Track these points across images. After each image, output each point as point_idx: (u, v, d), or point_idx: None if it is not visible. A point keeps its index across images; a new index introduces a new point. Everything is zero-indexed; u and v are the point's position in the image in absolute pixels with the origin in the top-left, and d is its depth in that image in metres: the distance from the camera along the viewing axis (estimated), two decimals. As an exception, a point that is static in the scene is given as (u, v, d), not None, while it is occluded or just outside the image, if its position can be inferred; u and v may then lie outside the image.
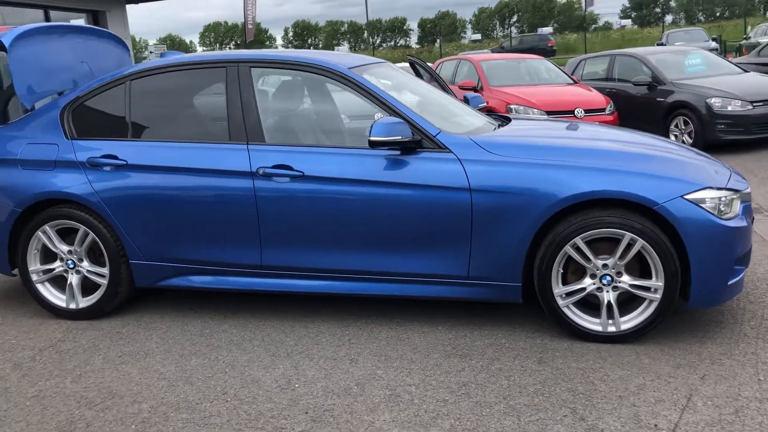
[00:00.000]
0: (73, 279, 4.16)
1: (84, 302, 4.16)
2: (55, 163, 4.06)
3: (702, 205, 3.35)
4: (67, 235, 4.14)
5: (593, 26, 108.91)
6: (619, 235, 3.40)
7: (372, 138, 3.53)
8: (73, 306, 4.17)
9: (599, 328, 3.51)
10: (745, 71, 10.45)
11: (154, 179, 3.90)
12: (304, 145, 3.81)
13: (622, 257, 3.43)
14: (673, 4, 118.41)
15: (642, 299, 3.48)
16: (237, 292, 4.00)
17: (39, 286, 4.21)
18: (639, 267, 3.50)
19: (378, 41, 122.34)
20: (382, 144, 3.54)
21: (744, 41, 24.52)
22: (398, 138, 3.53)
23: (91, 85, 4.18)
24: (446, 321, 3.88)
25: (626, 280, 3.47)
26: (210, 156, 3.85)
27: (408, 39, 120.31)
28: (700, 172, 3.54)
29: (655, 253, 3.37)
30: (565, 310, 3.54)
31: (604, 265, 3.47)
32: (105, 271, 4.08)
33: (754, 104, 9.00)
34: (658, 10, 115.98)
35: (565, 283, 3.55)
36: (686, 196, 3.35)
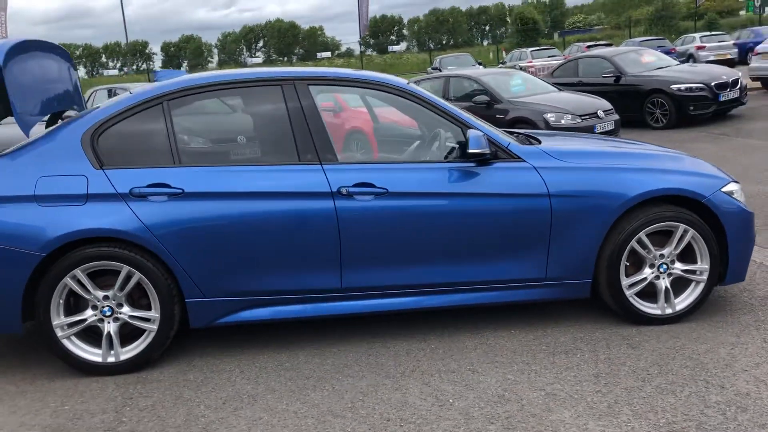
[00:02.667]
0: (111, 328, 3.63)
1: (126, 353, 3.64)
2: (86, 196, 3.52)
3: (733, 196, 3.94)
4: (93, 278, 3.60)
5: (336, 51, 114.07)
6: (674, 227, 3.86)
7: (471, 150, 3.62)
8: (111, 359, 3.63)
9: (659, 312, 3.94)
10: (560, 89, 11.91)
11: (218, 207, 3.57)
12: (380, 162, 3.76)
13: (677, 246, 3.90)
14: (405, 32, 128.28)
15: (690, 282, 3.97)
16: (312, 319, 3.80)
17: (66, 342, 3.60)
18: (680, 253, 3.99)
19: (119, 65, 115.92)
20: (479, 156, 3.65)
21: (501, 65, 27.58)
22: (487, 150, 3.66)
23: (115, 107, 3.70)
24: (507, 325, 4.04)
25: (679, 266, 3.94)
26: (282, 178, 3.63)
27: (151, 63, 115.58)
28: (716, 169, 4.14)
29: (702, 240, 3.88)
30: (631, 300, 3.91)
31: (661, 255, 3.91)
32: (153, 314, 3.62)
33: (582, 117, 10.33)
34: (393, 37, 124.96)
35: (626, 275, 3.93)
36: (723, 189, 3.92)
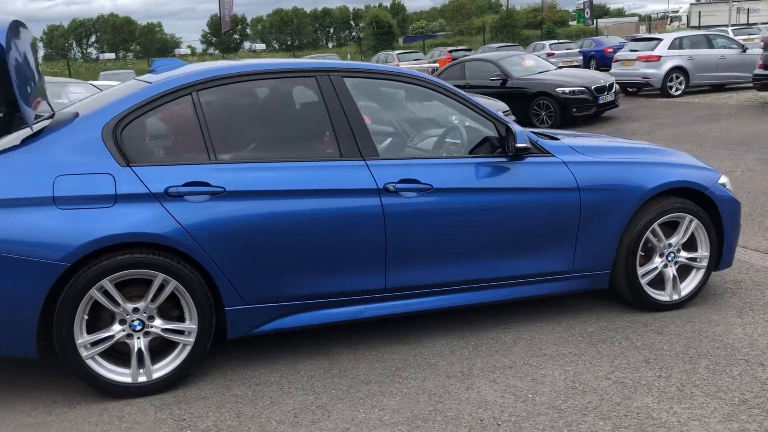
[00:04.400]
0: (141, 344, 3.25)
1: (158, 371, 3.28)
2: (114, 197, 3.13)
3: (726, 187, 4.25)
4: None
5: (176, 50, 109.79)
6: (682, 218, 4.09)
7: (519, 145, 3.62)
8: (143, 379, 3.25)
9: (667, 298, 4.15)
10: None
11: (261, 207, 3.30)
12: (422, 157, 3.66)
13: (683, 236, 4.13)
14: (249, 32, 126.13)
15: (691, 269, 4.22)
16: (353, 322, 3.62)
17: (90, 363, 3.18)
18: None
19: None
20: (525, 150, 3.65)
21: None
22: (530, 144, 3.69)
23: (137, 97, 3.31)
24: (529, 319, 4.08)
25: (684, 254, 4.18)
26: (326, 175, 3.43)
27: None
28: (704, 163, 4.44)
29: (703, 228, 4.15)
30: (645, 288, 4.10)
31: (669, 244, 4.13)
32: (190, 326, 3.28)
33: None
34: (237, 36, 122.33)
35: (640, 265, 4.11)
36: (719, 181, 4.21)
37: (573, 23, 52.96)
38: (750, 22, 43.45)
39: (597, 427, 2.89)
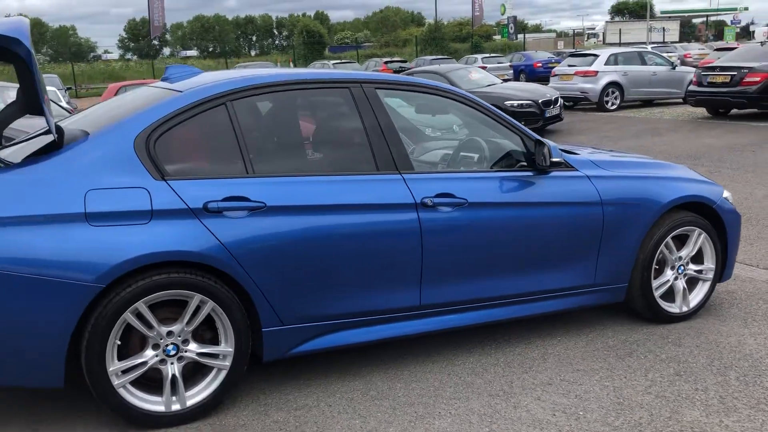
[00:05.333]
0: (175, 369, 3.04)
1: (192, 398, 3.07)
2: (150, 213, 2.92)
3: (729, 200, 4.38)
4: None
5: (91, 55, 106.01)
6: (692, 231, 4.19)
7: (554, 159, 3.61)
8: (176, 407, 3.04)
9: (677, 310, 4.23)
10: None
11: (301, 222, 3.16)
12: (456, 171, 3.60)
13: (693, 249, 4.22)
14: (168, 37, 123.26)
15: (698, 281, 4.32)
16: (386, 341, 3.50)
17: (122, 392, 2.95)
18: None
19: None
20: (559, 164, 3.65)
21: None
22: (562, 159, 3.69)
23: (168, 107, 3.12)
24: (546, 334, 4.07)
25: (692, 267, 4.27)
26: (365, 189, 3.32)
27: None
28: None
29: (710, 241, 4.26)
30: (659, 301, 4.16)
31: (679, 257, 4.21)
32: (226, 349, 3.10)
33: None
34: (156, 42, 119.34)
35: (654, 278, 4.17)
36: (723, 195, 4.33)
37: (497, 37, 54.22)
38: (656, 40, 45.65)
39: (656, 442, 2.89)
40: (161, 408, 3.01)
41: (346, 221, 3.25)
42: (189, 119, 3.12)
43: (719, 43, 36.33)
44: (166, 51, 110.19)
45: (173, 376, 3.02)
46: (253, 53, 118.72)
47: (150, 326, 2.96)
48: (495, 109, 3.84)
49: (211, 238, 2.98)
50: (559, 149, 3.95)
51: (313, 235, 3.18)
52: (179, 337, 3.02)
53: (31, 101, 2.93)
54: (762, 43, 14.69)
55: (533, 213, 3.67)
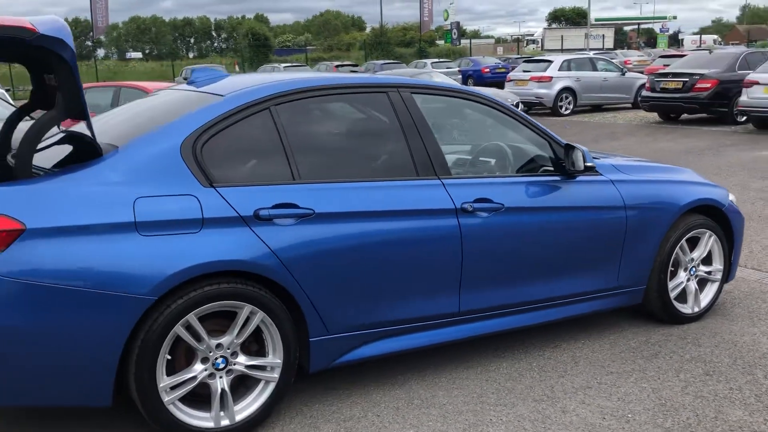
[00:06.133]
0: (224, 383, 2.93)
1: (242, 412, 2.97)
2: (201, 221, 2.81)
3: (734, 203, 4.51)
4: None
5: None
6: (703, 233, 4.29)
7: (588, 164, 3.64)
8: (226, 422, 2.92)
9: (690, 311, 4.33)
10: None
11: (349, 229, 3.09)
12: (491, 176, 3.60)
13: (704, 251, 4.33)
14: (103, 38, 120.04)
15: (706, 281, 4.44)
16: (426, 348, 3.46)
17: (172, 408, 2.82)
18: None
19: None
20: (591, 169, 3.68)
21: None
22: (594, 164, 3.72)
23: (211, 112, 3.01)
24: (567, 337, 4.11)
25: (703, 268, 4.38)
26: (408, 195, 3.28)
27: None
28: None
29: (719, 243, 4.38)
30: (673, 302, 4.25)
31: (691, 259, 4.31)
32: (274, 360, 3.00)
33: None
34: (89, 43, 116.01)
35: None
36: (729, 198, 4.46)
37: (441, 42, 54.76)
38: (595, 47, 46.96)
39: (710, 442, 2.94)
40: (210, 424, 2.90)
41: (391, 227, 3.20)
42: (233, 124, 3.02)
43: (658, 51, 37.63)
44: (101, 53, 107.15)
45: (222, 390, 2.91)
46: (191, 55, 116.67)
47: (199, 339, 2.84)
48: (525, 115, 3.85)
49: (263, 247, 2.89)
50: None
51: (359, 242, 3.12)
52: (228, 349, 2.91)
53: (73, 106, 2.77)
54: (710, 51, 15.26)
55: (564, 217, 3.70)
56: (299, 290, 2.99)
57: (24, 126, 3.24)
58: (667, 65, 17.86)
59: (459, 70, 29.29)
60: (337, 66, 27.41)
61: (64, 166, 2.88)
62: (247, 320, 2.92)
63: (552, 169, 3.81)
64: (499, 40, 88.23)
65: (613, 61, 20.58)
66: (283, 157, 3.07)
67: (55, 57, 2.69)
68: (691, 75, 13.67)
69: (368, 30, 74.81)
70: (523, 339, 4.01)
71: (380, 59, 37.91)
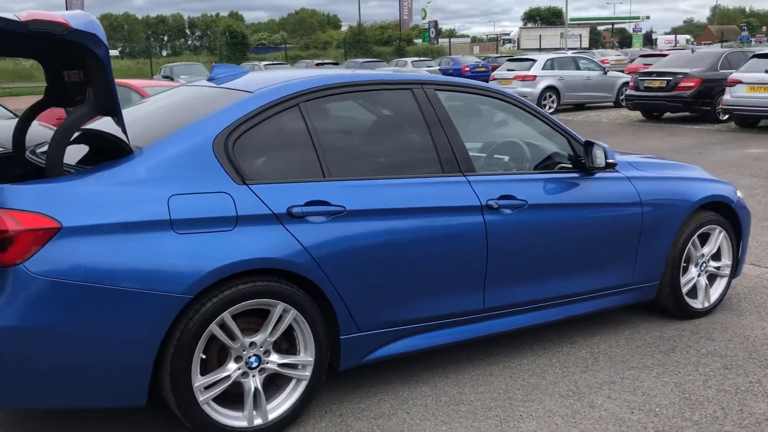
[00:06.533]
0: (257, 382, 2.90)
1: (274, 411, 2.94)
2: (235, 219, 2.78)
3: (742, 200, 4.57)
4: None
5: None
6: (713, 229, 4.35)
7: (610, 160, 3.66)
8: (259, 421, 2.90)
9: (700, 306, 4.38)
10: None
11: (380, 226, 3.09)
12: (514, 173, 3.61)
13: (714, 246, 4.38)
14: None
15: (715, 277, 4.49)
16: (452, 345, 3.47)
17: (207, 408, 2.78)
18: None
19: None
20: (613, 165, 3.71)
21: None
22: (616, 160, 3.75)
23: (242, 108, 2.98)
24: (580, 334, 4.14)
25: (712, 263, 4.44)
26: (436, 192, 3.28)
27: None
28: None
29: (728, 239, 4.43)
30: (685, 297, 4.30)
31: (702, 255, 4.37)
32: (306, 358, 2.98)
33: None
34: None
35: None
36: (738, 194, 4.53)
37: (418, 41, 54.86)
38: (572, 46, 47.38)
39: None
40: (243, 423, 2.87)
41: (420, 224, 3.19)
42: (264, 121, 2.99)
43: (635, 50, 38.08)
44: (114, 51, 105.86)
45: (255, 389, 2.88)
46: (164, 53, 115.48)
47: (233, 338, 2.81)
48: (545, 112, 3.87)
49: (296, 244, 2.87)
50: None
51: (389, 239, 3.11)
52: (261, 347, 2.89)
53: (104, 102, 2.72)
54: (692, 50, 15.47)
55: (585, 214, 3.72)
56: (331, 287, 2.97)
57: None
58: (648, 64, 18.08)
59: (439, 69, 29.37)
60: (317, 64, 27.33)
61: (89, 163, 2.83)
62: (280, 318, 2.89)
63: (570, 166, 3.83)
64: (475, 39, 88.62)
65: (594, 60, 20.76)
66: (312, 153, 3.05)
67: (87, 53, 2.64)
68: (674, 74, 13.84)
69: (345, 28, 74.65)
70: (539, 336, 4.03)
71: (359, 57, 37.86)
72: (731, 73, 13.03)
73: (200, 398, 2.75)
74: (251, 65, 26.26)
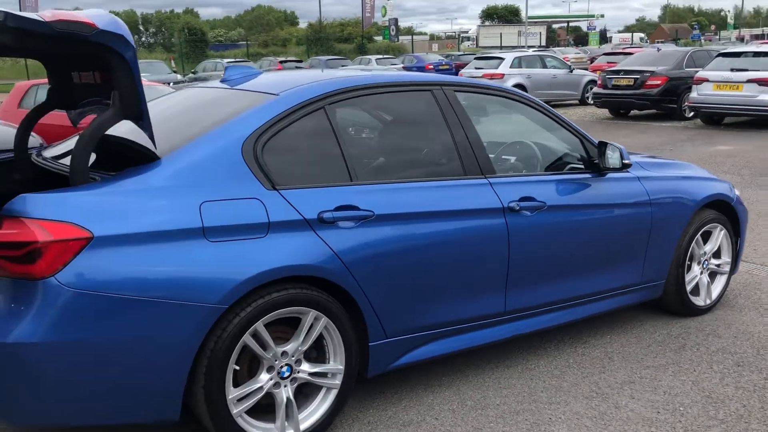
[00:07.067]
0: (289, 392, 2.83)
1: (306, 421, 2.87)
2: (268, 225, 2.70)
3: (739, 197, 4.66)
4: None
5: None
6: (714, 227, 4.41)
7: (625, 161, 3.68)
8: (293, 433, 2.83)
9: (702, 303, 4.44)
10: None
11: (407, 230, 3.04)
12: (532, 174, 3.61)
13: (715, 244, 4.45)
14: None
15: (716, 274, 4.56)
16: (474, 349, 3.44)
17: (240, 421, 2.70)
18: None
19: None
20: (628, 166, 3.72)
21: (193, 74, 26.73)
22: (630, 161, 3.78)
23: (268, 111, 2.90)
24: (588, 334, 4.17)
25: (713, 261, 4.50)
26: (461, 194, 3.24)
27: None
28: None
29: (728, 236, 4.51)
30: (689, 295, 4.35)
31: (704, 253, 4.43)
32: (336, 366, 2.92)
33: None
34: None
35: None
36: (735, 192, 4.61)
37: (379, 39, 54.82)
38: (530, 44, 47.95)
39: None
40: (276, 435, 2.80)
41: (445, 228, 3.16)
42: (291, 124, 2.92)
43: (593, 48, 38.67)
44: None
45: (287, 399, 2.81)
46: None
47: (265, 348, 2.74)
48: (559, 113, 3.87)
49: (328, 251, 2.80)
50: None
51: (416, 242, 3.07)
52: (293, 357, 2.82)
53: (131, 105, 2.62)
54: (658, 49, 15.76)
55: (600, 214, 3.74)
56: (361, 294, 2.92)
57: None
58: (612, 63, 18.38)
59: (403, 67, 29.38)
60: (281, 62, 27.06)
61: (103, 169, 2.72)
62: (311, 326, 2.83)
63: (582, 166, 3.84)
64: (433, 37, 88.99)
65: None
66: (339, 157, 2.99)
67: (112, 54, 2.54)
68: (641, 72, 14.09)
69: (302, 25, 74.17)
70: (551, 337, 4.03)
71: (320, 55, 37.65)
72: (696, 71, 13.31)
73: (234, 411, 2.67)
74: (213, 63, 25.87)
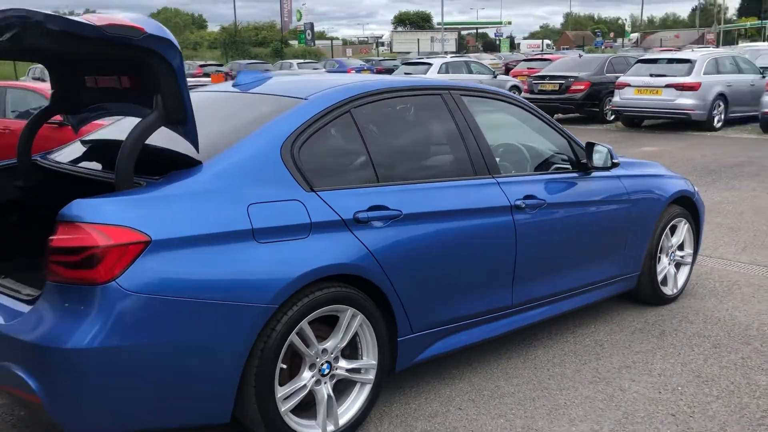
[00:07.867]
0: (329, 389, 2.89)
1: (343, 416, 2.95)
2: (310, 226, 2.76)
3: (697, 191, 5.03)
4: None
5: None
6: (680, 221, 4.76)
7: (614, 161, 3.93)
8: (331, 428, 2.89)
9: (670, 293, 4.76)
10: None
11: (431, 228, 3.16)
12: (532, 174, 3.81)
13: (680, 237, 4.80)
14: None
15: (680, 265, 4.91)
16: (484, 342, 3.60)
17: (288, 420, 2.75)
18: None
19: None
20: (616, 166, 3.97)
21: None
22: (618, 160, 4.04)
23: (302, 114, 2.96)
24: (577, 324, 4.42)
25: (678, 253, 4.84)
26: (474, 193, 3.40)
27: None
28: None
29: (691, 230, 4.87)
30: (660, 285, 4.67)
31: (671, 246, 4.76)
32: (369, 362, 3.01)
33: None
34: None
35: (654, 264, 4.67)
36: (694, 188, 4.97)
37: (294, 43, 54.61)
38: (446, 50, 49.01)
39: (763, 407, 3.30)
40: (318, 431, 2.86)
41: (464, 225, 3.30)
42: (323, 127, 3.00)
43: (506, 54, 39.87)
44: None
45: (328, 395, 2.88)
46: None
47: (308, 345, 2.80)
48: (550, 117, 4.10)
49: (363, 250, 2.89)
50: None
51: (438, 240, 3.20)
52: (332, 354, 2.89)
53: (175, 111, 2.63)
54: (580, 55, 16.49)
55: (591, 210, 3.98)
56: (392, 290, 3.02)
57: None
58: (532, 68, 19.08)
59: (325, 71, 29.41)
60: (201, 66, 26.55)
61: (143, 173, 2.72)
62: (348, 323, 2.91)
63: (569, 166, 4.07)
64: (346, 42, 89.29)
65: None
66: (366, 158, 3.09)
67: (157, 59, 2.55)
68: (566, 77, 14.73)
69: (212, 29, 72.81)
70: (541, 328, 4.24)
71: (236, 59, 37.17)
72: (616, 76, 14.03)
73: (282, 409, 2.72)
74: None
